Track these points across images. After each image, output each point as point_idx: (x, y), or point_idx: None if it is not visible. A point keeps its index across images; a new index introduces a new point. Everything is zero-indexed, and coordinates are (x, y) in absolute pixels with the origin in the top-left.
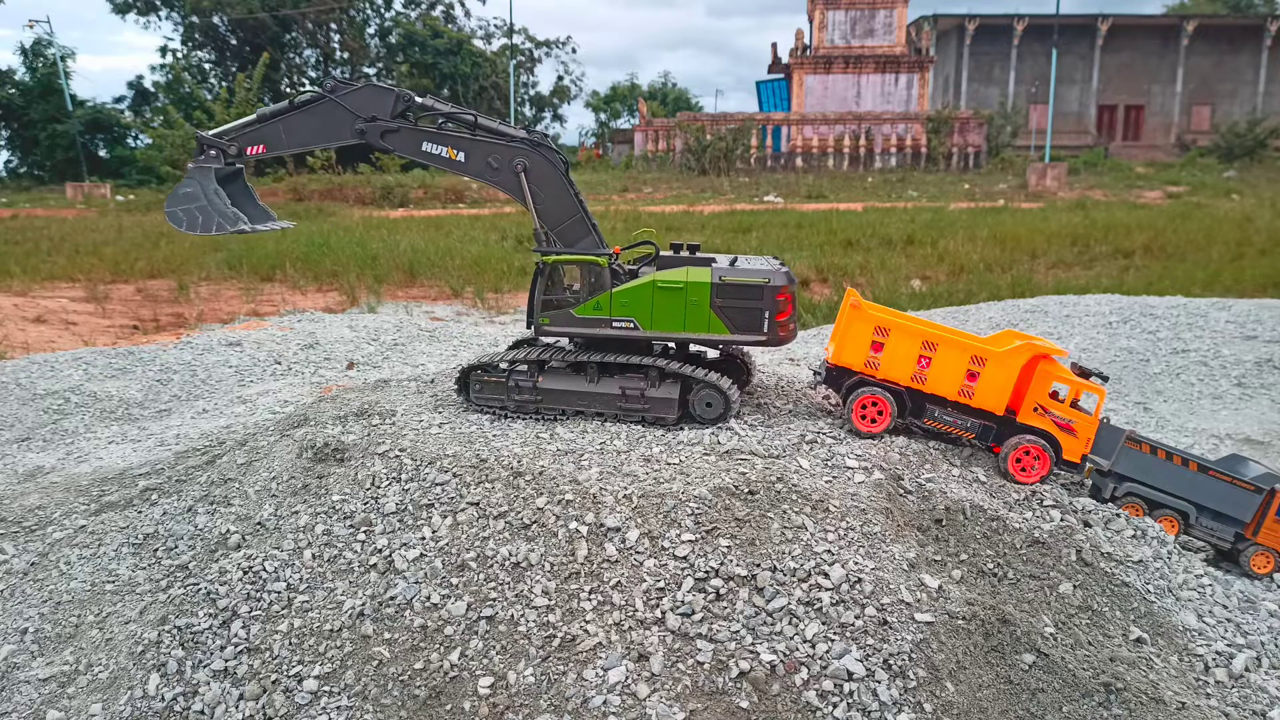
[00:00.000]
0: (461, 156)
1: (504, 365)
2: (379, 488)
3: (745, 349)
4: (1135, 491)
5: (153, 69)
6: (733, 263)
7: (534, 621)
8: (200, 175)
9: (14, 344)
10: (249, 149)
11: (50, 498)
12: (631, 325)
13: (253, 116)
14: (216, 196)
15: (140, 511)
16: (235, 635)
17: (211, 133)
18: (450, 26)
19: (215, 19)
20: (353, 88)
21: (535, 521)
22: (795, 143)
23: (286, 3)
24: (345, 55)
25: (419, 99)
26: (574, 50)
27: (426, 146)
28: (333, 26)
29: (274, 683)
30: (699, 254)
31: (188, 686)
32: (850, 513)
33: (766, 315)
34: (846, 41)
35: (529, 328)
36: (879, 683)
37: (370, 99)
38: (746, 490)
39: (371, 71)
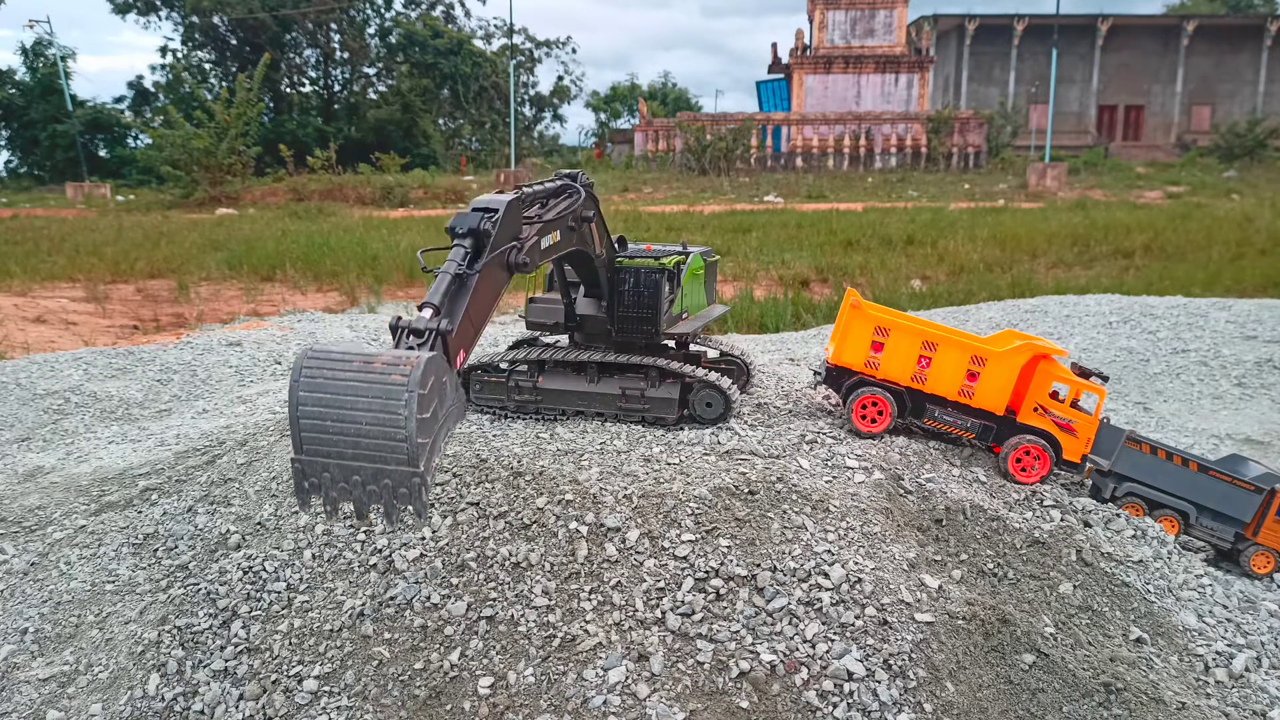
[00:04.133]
0: (560, 235)
1: (504, 365)
2: None
3: (742, 350)
4: (1135, 491)
5: (153, 69)
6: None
7: (534, 621)
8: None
9: (14, 344)
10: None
11: (50, 498)
12: (685, 315)
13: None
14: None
15: (140, 511)
16: (235, 635)
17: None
18: (450, 26)
19: (215, 19)
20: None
21: (535, 521)
22: (795, 143)
23: (287, 3)
24: (345, 55)
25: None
26: (574, 50)
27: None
28: (333, 27)
29: (274, 683)
30: None
31: (188, 686)
32: (850, 513)
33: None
34: (846, 41)
35: (636, 337)
36: (879, 683)
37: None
38: (746, 490)
39: (372, 71)
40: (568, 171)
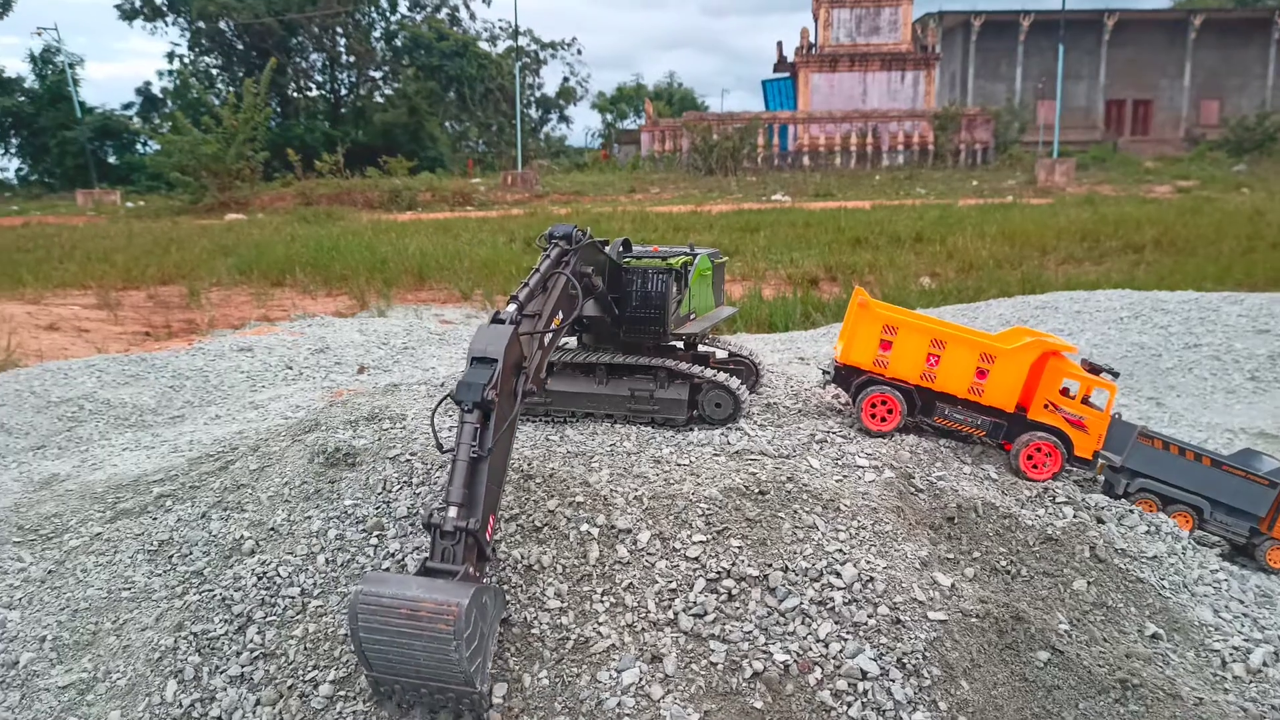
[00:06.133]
0: (563, 313)
1: None
2: (390, 492)
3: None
4: (1148, 487)
5: (160, 75)
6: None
7: (547, 624)
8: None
9: (28, 352)
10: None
11: (66, 505)
12: (692, 316)
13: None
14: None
15: (155, 518)
16: (251, 641)
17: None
18: (455, 29)
19: (222, 25)
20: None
21: (546, 524)
22: (802, 141)
23: (292, 7)
24: (351, 59)
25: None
26: (579, 52)
27: None
28: (338, 31)
29: (290, 688)
30: None
31: (205, 692)
32: (861, 512)
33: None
34: (852, 39)
35: (644, 338)
36: (893, 681)
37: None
38: (757, 490)
39: (378, 75)
40: (561, 232)
